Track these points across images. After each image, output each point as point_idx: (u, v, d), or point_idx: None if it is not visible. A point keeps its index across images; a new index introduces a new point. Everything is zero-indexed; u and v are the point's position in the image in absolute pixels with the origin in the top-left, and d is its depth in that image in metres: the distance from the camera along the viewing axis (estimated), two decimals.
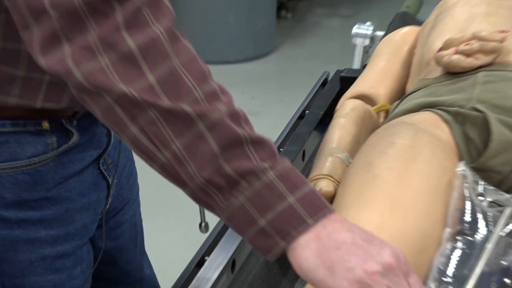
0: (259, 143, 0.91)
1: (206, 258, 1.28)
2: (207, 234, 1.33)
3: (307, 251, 0.91)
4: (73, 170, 1.20)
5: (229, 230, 1.33)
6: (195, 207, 1.14)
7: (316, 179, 1.37)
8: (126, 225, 1.41)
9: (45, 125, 1.14)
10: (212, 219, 1.29)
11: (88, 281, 1.32)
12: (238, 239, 1.31)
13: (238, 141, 0.88)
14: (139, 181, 1.49)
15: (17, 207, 1.16)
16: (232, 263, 1.29)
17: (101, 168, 1.26)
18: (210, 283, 1.24)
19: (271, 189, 0.89)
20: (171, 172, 0.90)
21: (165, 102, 0.86)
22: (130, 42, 0.85)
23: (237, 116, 0.90)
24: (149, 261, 1.53)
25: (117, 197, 1.34)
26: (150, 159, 0.90)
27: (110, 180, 1.29)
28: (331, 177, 1.36)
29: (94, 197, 1.26)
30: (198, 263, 1.28)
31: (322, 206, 0.94)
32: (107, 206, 1.31)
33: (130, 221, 1.43)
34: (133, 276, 1.45)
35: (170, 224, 1.46)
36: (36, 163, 1.14)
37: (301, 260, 0.91)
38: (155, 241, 1.74)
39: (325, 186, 1.34)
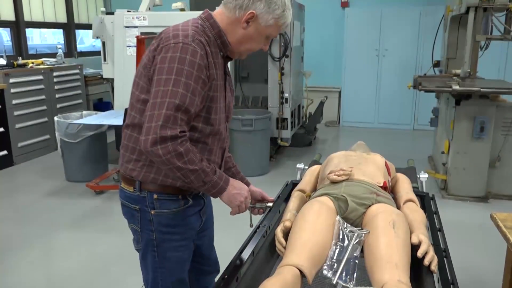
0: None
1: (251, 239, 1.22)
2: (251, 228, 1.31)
3: (225, 197, 1.06)
4: (189, 214, 1.12)
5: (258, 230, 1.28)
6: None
7: (284, 220, 1.33)
8: (206, 237, 1.28)
9: (180, 196, 1.09)
10: (255, 220, 1.31)
11: (190, 255, 1.18)
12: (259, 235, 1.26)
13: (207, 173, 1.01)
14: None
15: (166, 227, 1.09)
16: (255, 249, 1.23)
17: (201, 213, 1.17)
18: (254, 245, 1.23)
19: (216, 182, 1.03)
20: (192, 184, 1.01)
21: (191, 167, 0.97)
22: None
23: (209, 167, 1.02)
24: (214, 249, 1.35)
25: (205, 222, 1.22)
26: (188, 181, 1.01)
27: (203, 218, 1.19)
28: (290, 220, 1.33)
29: (197, 224, 1.17)
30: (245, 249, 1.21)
31: (227, 180, 1.06)
32: (200, 227, 1.19)
33: (209, 234, 1.30)
34: (206, 256, 1.30)
35: (235, 226, 1.23)
36: (175, 212, 1.09)
37: (224, 200, 1.07)
38: (234, 231, 1.47)
39: (287, 222, 1.31)
